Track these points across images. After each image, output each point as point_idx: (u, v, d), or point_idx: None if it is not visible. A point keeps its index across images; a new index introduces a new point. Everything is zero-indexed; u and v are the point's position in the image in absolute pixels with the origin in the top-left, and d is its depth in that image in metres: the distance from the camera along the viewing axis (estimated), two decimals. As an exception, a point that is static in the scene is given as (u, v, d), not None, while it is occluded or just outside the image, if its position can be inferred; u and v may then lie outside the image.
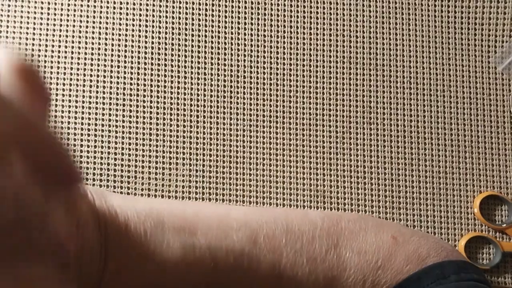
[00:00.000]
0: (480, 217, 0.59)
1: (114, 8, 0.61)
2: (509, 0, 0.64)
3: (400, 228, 0.44)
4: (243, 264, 0.38)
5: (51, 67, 0.59)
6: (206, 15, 0.62)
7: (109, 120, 0.59)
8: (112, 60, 0.60)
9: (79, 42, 0.60)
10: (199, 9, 0.62)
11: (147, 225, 0.36)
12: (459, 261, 0.42)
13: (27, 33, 0.60)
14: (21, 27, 0.60)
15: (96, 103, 0.59)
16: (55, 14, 0.60)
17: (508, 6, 0.64)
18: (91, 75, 0.60)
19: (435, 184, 0.60)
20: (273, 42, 0.62)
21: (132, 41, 0.60)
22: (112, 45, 0.60)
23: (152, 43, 0.61)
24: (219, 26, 0.61)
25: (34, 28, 0.60)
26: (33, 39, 0.60)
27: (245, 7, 0.62)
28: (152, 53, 0.60)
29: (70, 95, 0.59)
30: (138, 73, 0.60)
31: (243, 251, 0.38)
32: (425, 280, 0.40)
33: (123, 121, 0.59)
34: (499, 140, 0.61)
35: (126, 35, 0.61)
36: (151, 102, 0.60)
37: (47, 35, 0.60)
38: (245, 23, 0.62)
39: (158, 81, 0.60)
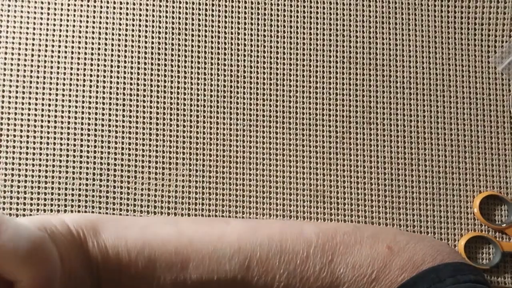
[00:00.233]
0: (480, 217, 0.59)
1: (114, 8, 0.61)
2: (509, 0, 0.64)
3: (396, 235, 0.44)
4: None
5: (51, 67, 0.59)
6: (206, 15, 0.62)
7: (109, 120, 0.59)
8: (112, 60, 0.60)
9: (79, 42, 0.60)
10: (199, 9, 0.62)
11: (138, 265, 0.36)
12: (455, 263, 0.42)
13: (27, 33, 0.60)
14: (21, 27, 0.60)
15: (96, 103, 0.59)
16: (55, 14, 0.60)
17: (508, 6, 0.64)
18: (91, 75, 0.60)
19: (435, 184, 0.60)
20: (273, 42, 0.62)
21: (132, 41, 0.60)
22: (112, 45, 0.60)
23: (152, 43, 0.61)
24: (219, 26, 0.61)
25: (34, 28, 0.60)
26: (33, 39, 0.60)
27: (245, 7, 0.62)
28: (152, 53, 0.60)
29: (70, 95, 0.59)
30: (138, 73, 0.60)
31: (235, 279, 0.38)
32: (420, 284, 0.40)
33: (123, 121, 0.59)
34: (499, 140, 0.61)
35: (126, 35, 0.61)
36: (151, 102, 0.60)
37: (47, 35, 0.60)
38: (245, 23, 0.62)
39: (158, 81, 0.60)
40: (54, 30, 0.60)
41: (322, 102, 0.61)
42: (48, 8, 0.60)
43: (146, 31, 0.61)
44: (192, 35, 0.61)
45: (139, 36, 0.61)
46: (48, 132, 0.58)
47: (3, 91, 0.59)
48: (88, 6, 0.61)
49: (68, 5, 0.60)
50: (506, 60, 0.62)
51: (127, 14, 0.61)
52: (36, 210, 0.56)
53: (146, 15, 0.61)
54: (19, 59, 0.59)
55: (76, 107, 0.59)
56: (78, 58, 0.60)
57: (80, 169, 0.58)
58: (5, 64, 0.59)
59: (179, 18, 0.61)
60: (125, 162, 0.58)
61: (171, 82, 0.60)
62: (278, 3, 0.62)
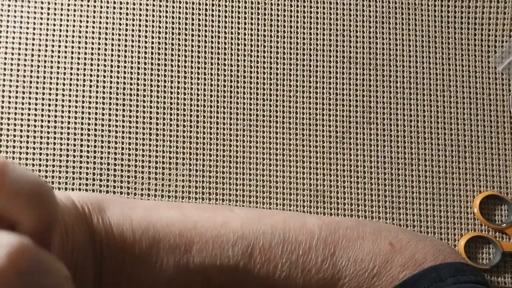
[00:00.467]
0: (480, 217, 0.59)
1: (114, 8, 0.61)
2: (509, 0, 0.64)
3: (398, 233, 0.44)
4: (236, 278, 0.38)
5: (51, 67, 0.59)
6: (206, 15, 0.62)
7: (109, 120, 0.59)
8: (112, 60, 0.60)
9: (79, 42, 0.60)
10: (199, 9, 0.62)
11: (142, 245, 0.36)
12: (457, 263, 0.42)
13: (27, 33, 0.60)
14: (21, 27, 0.60)
15: (96, 103, 0.59)
16: (55, 14, 0.60)
17: (508, 6, 0.64)
18: (91, 75, 0.60)
19: (435, 184, 0.60)
20: (273, 42, 0.62)
21: (132, 41, 0.60)
22: (112, 45, 0.60)
23: (152, 43, 0.61)
24: (219, 26, 0.61)
25: (34, 28, 0.60)
26: (33, 39, 0.60)
27: (245, 7, 0.62)
28: (152, 53, 0.60)
29: (70, 95, 0.59)
30: (138, 73, 0.60)
31: (238, 266, 0.38)
32: (421, 282, 0.40)
33: (123, 121, 0.59)
34: (499, 140, 0.61)
35: (126, 35, 0.61)
36: (151, 102, 0.60)
37: (47, 35, 0.60)
38: (245, 23, 0.62)
39: (158, 81, 0.60)
40: (54, 30, 0.60)
41: (322, 102, 0.61)
42: (48, 8, 0.60)
43: (146, 31, 0.61)
44: (192, 35, 0.61)
45: (139, 36, 0.61)
46: (48, 132, 0.58)
47: (3, 91, 0.59)
48: (88, 6, 0.61)
49: (68, 5, 0.60)
50: (506, 60, 0.62)
51: (127, 14, 0.61)
52: (36, 210, 0.56)
53: (146, 15, 0.61)
54: (19, 59, 0.59)
55: (76, 107, 0.59)
56: (78, 58, 0.60)
57: (80, 169, 0.58)
58: (5, 64, 0.59)
59: (179, 18, 0.61)
60: (125, 162, 0.58)
61: (171, 82, 0.60)
62: (278, 3, 0.62)
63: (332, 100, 0.61)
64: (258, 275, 0.39)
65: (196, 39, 0.61)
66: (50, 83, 0.59)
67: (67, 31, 0.60)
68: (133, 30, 0.61)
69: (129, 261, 0.36)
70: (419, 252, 0.42)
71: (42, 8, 0.60)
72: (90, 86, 0.59)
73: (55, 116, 0.59)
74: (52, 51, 0.60)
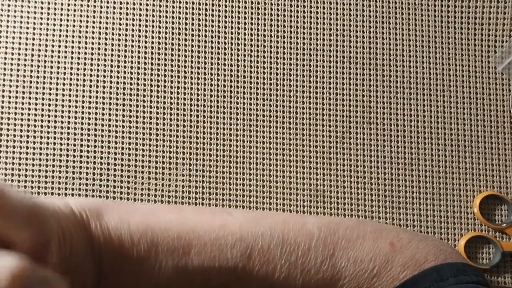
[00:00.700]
0: (480, 217, 0.59)
1: (114, 8, 0.61)
2: (509, 0, 0.64)
3: (399, 232, 0.44)
4: (235, 280, 0.38)
5: (51, 67, 0.59)
6: (206, 15, 0.62)
7: (109, 120, 0.59)
8: (112, 60, 0.60)
9: (79, 42, 0.60)
10: (199, 9, 0.62)
11: (140, 248, 0.36)
12: (458, 264, 0.42)
13: (27, 33, 0.60)
14: (21, 27, 0.60)
15: (96, 103, 0.59)
16: (55, 14, 0.60)
17: (508, 6, 0.64)
18: (91, 75, 0.60)
19: (435, 184, 0.60)
20: (273, 42, 0.62)
21: (132, 41, 0.60)
22: (112, 45, 0.60)
23: (152, 43, 0.61)
24: (219, 26, 0.61)
25: (34, 28, 0.60)
26: (33, 39, 0.60)
27: (245, 7, 0.62)
28: (152, 53, 0.60)
29: (70, 95, 0.59)
30: (138, 73, 0.60)
31: (237, 268, 0.38)
32: (422, 282, 0.40)
33: (123, 121, 0.59)
34: (499, 140, 0.61)
35: (126, 35, 0.61)
36: (151, 102, 0.60)
37: (47, 35, 0.60)
38: (245, 23, 0.62)
39: (158, 81, 0.60)
40: (54, 30, 0.60)
41: (322, 102, 0.61)
42: (48, 8, 0.60)
43: (146, 31, 0.61)
44: (192, 35, 0.61)
45: (139, 36, 0.61)
46: (48, 132, 0.58)
47: (3, 91, 0.59)
48: (88, 6, 0.61)
49: (68, 5, 0.60)
50: (506, 60, 0.62)
51: (127, 14, 0.61)
52: (36, 210, 0.56)
53: (146, 15, 0.61)
54: (19, 59, 0.59)
55: (76, 107, 0.59)
56: (78, 58, 0.60)
57: (80, 169, 0.58)
58: (5, 64, 0.59)
59: (179, 18, 0.61)
60: (125, 162, 0.58)
61: (171, 82, 0.60)
62: (278, 3, 0.62)
63: (332, 100, 0.61)
64: (257, 276, 0.39)
65: (196, 39, 0.61)
66: (50, 83, 0.59)
67: (67, 31, 0.60)
68: (133, 30, 0.61)
69: (128, 265, 0.36)
70: (420, 252, 0.42)
71: (42, 8, 0.60)
72: (90, 86, 0.59)
73: (55, 116, 0.59)
74: (52, 51, 0.60)
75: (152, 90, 0.60)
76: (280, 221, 0.42)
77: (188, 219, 0.40)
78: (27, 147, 0.58)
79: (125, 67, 0.60)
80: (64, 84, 0.59)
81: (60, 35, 0.60)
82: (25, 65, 0.59)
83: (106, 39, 0.60)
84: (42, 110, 0.59)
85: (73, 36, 0.60)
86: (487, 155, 0.61)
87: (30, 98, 0.59)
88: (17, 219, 0.25)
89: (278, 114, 0.60)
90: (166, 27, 0.61)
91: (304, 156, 0.60)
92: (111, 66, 0.60)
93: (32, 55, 0.60)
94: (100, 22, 0.61)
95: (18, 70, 0.59)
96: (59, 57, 0.60)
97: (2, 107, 0.58)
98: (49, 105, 0.59)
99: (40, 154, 0.58)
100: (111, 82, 0.60)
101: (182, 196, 0.58)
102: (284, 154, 0.60)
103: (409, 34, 0.62)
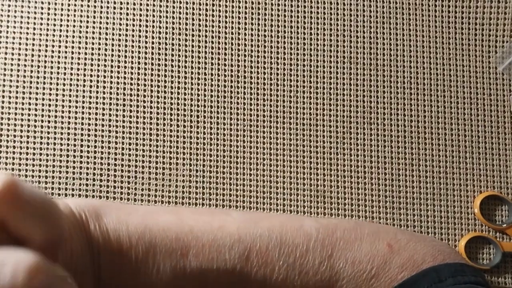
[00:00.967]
0: (480, 217, 0.59)
1: (114, 8, 0.61)
2: (510, 1, 0.64)
3: (396, 233, 0.44)
4: (234, 281, 0.38)
5: (51, 67, 0.59)
6: (206, 15, 0.62)
7: (109, 120, 0.59)
8: (112, 60, 0.60)
9: (79, 42, 0.60)
10: (199, 9, 0.62)
11: (138, 250, 0.37)
12: (456, 264, 0.42)
13: (27, 33, 0.60)
14: (21, 27, 0.60)
15: (96, 103, 0.59)
16: (55, 14, 0.60)
17: (508, 6, 0.64)
18: (91, 75, 0.60)
19: (435, 184, 0.60)
20: (273, 42, 0.61)
21: (132, 41, 0.60)
22: (112, 45, 0.60)
23: (152, 43, 0.61)
24: (219, 26, 0.61)
25: (34, 28, 0.60)
26: (33, 39, 0.60)
27: (245, 7, 0.62)
28: (152, 53, 0.60)
29: (70, 95, 0.59)
30: (138, 73, 0.60)
31: (235, 269, 0.38)
32: (421, 283, 0.40)
33: (123, 121, 0.59)
34: (499, 140, 0.61)
35: (126, 35, 0.61)
36: (151, 102, 0.60)
37: (47, 35, 0.60)
38: (245, 23, 0.62)
39: (158, 81, 0.60)
40: (54, 30, 0.60)
41: (322, 102, 0.61)
42: (48, 8, 0.60)
43: (146, 31, 0.61)
44: (192, 35, 0.61)
45: (139, 36, 0.61)
46: (48, 132, 0.58)
47: (3, 91, 0.59)
48: (88, 6, 0.61)
49: (68, 5, 0.61)
50: (507, 60, 0.62)
51: (127, 14, 0.61)
52: (36, 210, 0.56)
53: (146, 15, 0.61)
54: (19, 59, 0.59)
55: (76, 107, 0.59)
56: (78, 58, 0.60)
57: (80, 169, 0.58)
58: (5, 64, 0.59)
59: (179, 18, 0.61)
60: (125, 162, 0.58)
61: (171, 82, 0.60)
62: (278, 3, 0.62)
63: (332, 100, 0.61)
64: (255, 278, 0.39)
65: (196, 39, 0.61)
66: (50, 83, 0.59)
67: (67, 31, 0.60)
68: (133, 30, 0.61)
69: (126, 266, 0.36)
70: (417, 253, 0.42)
71: (42, 8, 0.60)
72: (90, 86, 0.60)
73: (55, 116, 0.59)
74: (52, 51, 0.60)
75: (152, 90, 0.60)
76: (278, 222, 0.42)
77: (186, 220, 0.40)
78: (27, 147, 0.58)
79: (125, 67, 0.60)
80: (64, 84, 0.59)
81: (60, 35, 0.60)
82: (25, 65, 0.59)
83: (106, 39, 0.60)
84: (42, 110, 0.59)
85: (73, 36, 0.60)
86: (488, 155, 0.61)
87: (30, 98, 0.59)
88: (31, 213, 0.24)
89: (278, 114, 0.60)
90: (166, 27, 0.61)
91: (304, 156, 0.60)
92: (111, 66, 0.60)
93: (32, 55, 0.60)
94: (100, 22, 0.61)
95: (18, 70, 0.59)
96: (59, 57, 0.60)
97: (2, 107, 0.58)
98: (49, 105, 0.59)
99: (40, 154, 0.58)
100: (111, 82, 0.60)
101: (182, 196, 0.58)
102: (284, 154, 0.60)
103: (409, 34, 0.62)
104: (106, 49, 0.60)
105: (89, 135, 0.59)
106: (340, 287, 0.40)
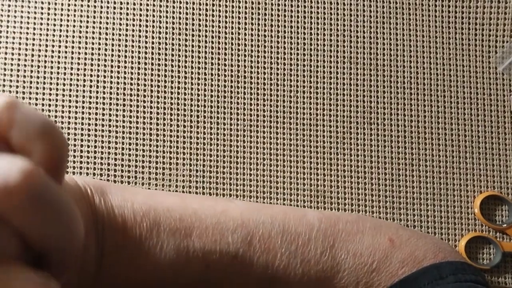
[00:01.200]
0: (480, 217, 0.59)
1: (114, 8, 0.61)
2: (510, 1, 0.64)
3: (398, 229, 0.44)
4: (235, 265, 0.38)
5: (51, 67, 0.59)
6: (206, 15, 0.62)
7: (109, 120, 0.59)
8: (112, 60, 0.60)
9: (79, 42, 0.60)
10: (199, 9, 0.62)
11: (143, 226, 0.36)
12: (457, 262, 0.42)
13: (27, 33, 0.60)
14: (21, 27, 0.60)
15: (96, 103, 0.59)
16: (55, 14, 0.60)
17: (508, 6, 0.64)
18: (91, 75, 0.60)
19: (435, 184, 0.60)
20: (273, 42, 0.61)
21: (132, 41, 0.60)
22: (112, 45, 0.60)
23: (152, 43, 0.61)
24: (219, 26, 0.61)
25: (34, 28, 0.60)
26: (33, 39, 0.60)
27: (245, 7, 0.62)
28: (152, 53, 0.60)
29: (70, 95, 0.59)
30: (138, 73, 0.60)
31: (237, 253, 0.38)
32: (422, 280, 0.40)
33: (123, 121, 0.59)
34: (499, 140, 0.61)
35: (126, 35, 0.61)
36: (151, 102, 0.60)
37: (47, 35, 0.60)
38: (245, 23, 0.62)
39: (158, 81, 0.60)
40: (54, 30, 0.60)
41: (322, 102, 0.61)
42: (48, 8, 0.60)
43: (146, 31, 0.61)
44: (192, 35, 0.61)
45: (139, 36, 0.61)
46: (48, 132, 0.58)
47: (3, 91, 0.59)
48: (88, 6, 0.61)
49: (68, 5, 0.61)
50: (507, 60, 0.62)
51: (127, 14, 0.61)
52: (36, 210, 0.56)
53: (146, 15, 0.61)
54: (19, 59, 0.59)
55: (76, 107, 0.59)
56: (78, 58, 0.60)
57: (80, 169, 0.58)
58: (5, 64, 0.59)
59: (179, 18, 0.61)
60: (125, 162, 0.58)
61: (171, 82, 0.60)
62: (278, 3, 0.62)
63: (332, 100, 0.61)
64: (257, 263, 0.39)
65: (196, 39, 0.61)
66: (50, 83, 0.59)
67: (67, 31, 0.60)
68: (133, 30, 0.61)
69: (130, 243, 0.36)
70: (419, 249, 0.42)
71: (42, 8, 0.60)
72: (90, 86, 0.60)
73: (55, 116, 0.59)
74: (52, 51, 0.60)
75: (152, 90, 0.60)
76: (281, 211, 0.42)
77: (190, 203, 0.40)
78: (27, 147, 0.58)
79: (125, 67, 0.60)
80: (64, 84, 0.59)
81: (60, 35, 0.60)
82: (25, 65, 0.59)
83: (106, 39, 0.60)
84: (42, 110, 0.59)
85: (73, 36, 0.60)
86: (488, 156, 0.61)
87: (30, 98, 0.59)
88: (33, 129, 0.23)
89: (278, 114, 0.60)
90: (166, 27, 0.61)
91: (304, 156, 0.60)
92: (111, 66, 0.60)
93: (32, 55, 0.60)
94: (100, 22, 0.61)
95: (18, 70, 0.59)
96: (59, 57, 0.60)
97: (2, 107, 0.58)
98: (49, 105, 0.59)
99: (40, 154, 0.58)
100: (111, 82, 0.60)
101: (182, 196, 0.58)
102: (284, 154, 0.60)
103: (409, 34, 0.62)
104: (106, 49, 0.60)
105: (89, 135, 0.59)
106: (341, 279, 0.40)
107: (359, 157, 0.60)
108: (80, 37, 0.60)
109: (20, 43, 0.60)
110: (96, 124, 0.59)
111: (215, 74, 0.60)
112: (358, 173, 0.60)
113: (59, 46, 0.60)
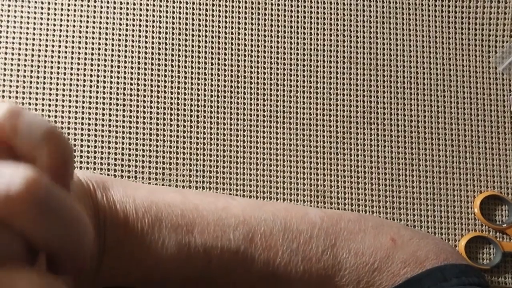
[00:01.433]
0: (480, 217, 0.59)
1: (114, 8, 0.61)
2: (510, 0, 0.64)
3: (400, 229, 0.44)
4: (237, 262, 0.38)
5: (51, 67, 0.59)
6: (206, 15, 0.62)
7: (109, 120, 0.59)
8: (112, 60, 0.60)
9: (79, 42, 0.60)
10: (199, 9, 0.62)
11: (144, 222, 0.36)
12: (461, 265, 0.42)
13: (27, 33, 0.60)
14: (21, 27, 0.60)
15: (96, 103, 0.59)
16: (55, 14, 0.60)
17: (508, 6, 0.64)
18: (91, 75, 0.60)
19: (435, 184, 0.60)
20: (273, 42, 0.61)
21: (132, 41, 0.60)
22: (112, 45, 0.60)
23: (152, 43, 0.61)
24: (219, 26, 0.61)
25: (34, 28, 0.60)
26: (33, 39, 0.60)
27: (245, 7, 0.62)
28: (152, 53, 0.60)
29: (70, 95, 0.59)
30: (138, 73, 0.60)
31: (239, 250, 0.38)
32: (426, 282, 0.40)
33: (123, 121, 0.59)
34: (499, 140, 0.61)
35: (126, 35, 0.61)
36: (151, 102, 0.60)
37: (47, 35, 0.60)
38: (245, 23, 0.62)
39: (158, 81, 0.60)
40: (54, 30, 0.60)
41: (322, 102, 0.61)
42: (48, 8, 0.60)
43: (146, 31, 0.61)
44: (192, 35, 0.61)
45: (139, 36, 0.61)
46: (48, 132, 0.58)
47: (3, 91, 0.59)
48: (88, 6, 0.61)
49: (68, 5, 0.61)
50: (507, 60, 0.62)
51: (127, 14, 0.61)
52: (36, 210, 0.56)
53: (146, 15, 0.61)
54: (19, 59, 0.59)
55: (76, 107, 0.59)
56: (78, 58, 0.60)
57: (80, 169, 0.58)
58: (5, 64, 0.59)
59: (179, 18, 0.61)
60: (125, 162, 0.58)
61: (171, 82, 0.60)
62: (278, 3, 0.62)
63: (332, 100, 0.61)
64: (258, 260, 0.39)
65: (196, 39, 0.61)
66: (50, 83, 0.59)
67: (67, 31, 0.60)
68: (133, 30, 0.61)
69: (131, 239, 0.36)
70: (421, 249, 0.42)
71: (42, 8, 0.60)
72: (90, 86, 0.59)
73: (55, 116, 0.59)
74: (52, 51, 0.60)
75: (152, 90, 0.60)
76: (283, 209, 0.42)
77: (191, 199, 0.40)
78: (27, 147, 0.58)
79: (125, 67, 0.60)
80: (64, 84, 0.59)
81: (60, 35, 0.60)
82: (25, 65, 0.59)
83: (106, 39, 0.60)
84: (42, 110, 0.59)
85: (73, 36, 0.60)
86: (488, 155, 0.61)
87: (30, 98, 0.59)
88: (35, 135, 0.23)
89: (278, 114, 0.60)
90: (166, 27, 0.61)
91: (304, 156, 0.60)
92: (111, 66, 0.60)
93: (32, 55, 0.60)
94: (100, 22, 0.61)
95: (18, 70, 0.59)
96: (59, 57, 0.60)
97: (2, 107, 0.58)
98: (49, 105, 0.59)
99: (40, 154, 0.58)
100: (111, 82, 0.60)
101: (182, 196, 0.58)
102: (284, 154, 0.60)
103: (409, 34, 0.62)
104: (106, 49, 0.60)
105: (89, 135, 0.59)
106: (342, 277, 0.40)
107: (359, 157, 0.60)
108: (80, 37, 0.60)
109: (20, 43, 0.60)
110: (96, 124, 0.59)
111: (215, 74, 0.60)
112: (358, 173, 0.60)
113: (59, 46, 0.60)
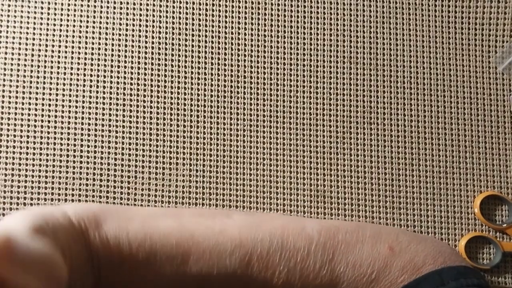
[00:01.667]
0: (480, 217, 0.59)
1: (114, 8, 0.61)
2: (510, 0, 0.64)
3: (398, 235, 0.44)
4: (234, 285, 0.38)
5: (51, 67, 0.59)
6: (206, 15, 0.62)
7: (109, 120, 0.59)
8: (112, 60, 0.60)
9: (79, 42, 0.60)
10: (199, 9, 0.62)
11: (139, 256, 0.37)
12: (459, 267, 0.42)
13: (27, 33, 0.60)
14: (21, 27, 0.60)
15: (96, 103, 0.59)
16: (55, 14, 0.60)
17: (508, 6, 0.64)
18: (91, 75, 0.60)
19: (435, 184, 0.60)
20: (273, 42, 0.61)
21: (132, 41, 0.60)
22: (112, 45, 0.60)
23: (152, 43, 0.61)
24: (219, 26, 0.61)
25: (34, 28, 0.60)
26: (33, 39, 0.60)
27: (245, 7, 0.62)
28: (152, 53, 0.60)
29: (70, 95, 0.59)
30: (138, 73, 0.60)
31: (235, 274, 0.38)
32: (423, 286, 0.40)
33: (123, 121, 0.59)
34: (499, 140, 0.61)
35: (126, 35, 0.61)
36: (151, 102, 0.60)
37: (47, 35, 0.60)
38: (245, 23, 0.62)
39: (158, 81, 0.60)
40: (54, 30, 0.60)
41: (322, 102, 0.61)
42: (48, 8, 0.60)
43: (146, 31, 0.61)
44: (192, 35, 0.61)
45: (139, 36, 0.61)
46: (48, 132, 0.58)
47: (3, 91, 0.59)
48: (88, 6, 0.61)
49: (68, 5, 0.61)
50: (507, 60, 0.62)
51: (127, 14, 0.61)
52: (36, 210, 0.56)
53: (146, 15, 0.61)
54: (19, 59, 0.59)
55: (76, 107, 0.59)
56: (78, 58, 0.60)
57: (80, 169, 0.58)
58: (5, 64, 0.59)
59: (179, 18, 0.61)
60: (125, 162, 0.58)
61: (171, 82, 0.60)
62: (278, 3, 0.62)
63: (332, 100, 0.61)
64: (255, 282, 0.39)
65: (196, 39, 0.61)
66: (50, 83, 0.59)
67: (67, 31, 0.60)
68: (133, 30, 0.61)
69: (126, 273, 0.36)
70: (418, 255, 0.42)
71: (42, 8, 0.60)
72: (90, 86, 0.60)
73: (55, 116, 0.59)
74: (52, 51, 0.60)
75: (152, 90, 0.60)
76: (280, 225, 0.42)
77: (187, 225, 0.40)
78: (27, 147, 0.58)
79: (125, 67, 0.60)
80: (64, 84, 0.59)
81: (60, 35, 0.60)
82: (25, 65, 0.59)
83: (106, 39, 0.60)
84: (42, 110, 0.59)
85: (73, 36, 0.60)
86: (488, 155, 0.61)
87: (30, 98, 0.59)
88: (29, 269, 0.24)
89: (278, 114, 0.60)
90: (166, 27, 0.61)
91: (304, 156, 0.60)
92: (111, 66, 0.60)
93: (32, 55, 0.60)
94: (100, 22, 0.61)
95: (18, 70, 0.59)
96: (59, 57, 0.60)
97: (2, 107, 0.58)
98: (49, 105, 0.59)
99: (40, 154, 0.58)
100: (111, 82, 0.60)
101: (182, 196, 0.58)
102: (284, 154, 0.60)
103: (409, 34, 0.62)
104: (106, 49, 0.60)
105: (89, 135, 0.59)
106: None
107: (359, 157, 0.60)
108: (80, 37, 0.60)
109: (20, 43, 0.60)
110: (96, 124, 0.59)
111: (215, 74, 0.60)
112: (358, 173, 0.60)
113: (59, 46, 0.60)
